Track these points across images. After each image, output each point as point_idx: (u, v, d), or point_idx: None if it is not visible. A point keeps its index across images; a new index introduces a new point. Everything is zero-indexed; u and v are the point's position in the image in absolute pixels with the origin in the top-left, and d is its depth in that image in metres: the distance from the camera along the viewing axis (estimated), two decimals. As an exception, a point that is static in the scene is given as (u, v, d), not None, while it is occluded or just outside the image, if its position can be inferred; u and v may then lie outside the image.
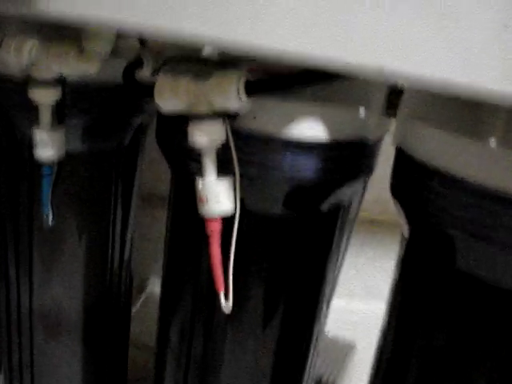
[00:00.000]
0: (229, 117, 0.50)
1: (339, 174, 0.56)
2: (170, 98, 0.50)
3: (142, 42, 0.67)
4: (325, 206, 0.59)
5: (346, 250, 0.66)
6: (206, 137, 0.49)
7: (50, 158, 0.61)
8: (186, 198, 0.61)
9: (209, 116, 0.49)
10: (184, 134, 0.53)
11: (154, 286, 1.19)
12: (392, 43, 0.36)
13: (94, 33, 0.55)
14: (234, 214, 0.51)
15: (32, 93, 0.58)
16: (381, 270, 1.09)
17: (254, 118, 0.51)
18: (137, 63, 0.61)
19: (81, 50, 0.55)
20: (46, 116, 0.60)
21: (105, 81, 0.66)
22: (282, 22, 0.38)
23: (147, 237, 1.01)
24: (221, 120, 0.49)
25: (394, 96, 0.57)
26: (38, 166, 0.63)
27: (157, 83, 0.51)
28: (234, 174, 0.52)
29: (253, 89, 0.47)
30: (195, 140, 0.49)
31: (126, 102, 0.68)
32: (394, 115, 0.58)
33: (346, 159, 0.56)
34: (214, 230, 0.50)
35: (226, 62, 0.53)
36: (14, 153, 0.70)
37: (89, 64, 0.55)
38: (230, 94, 0.47)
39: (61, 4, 0.47)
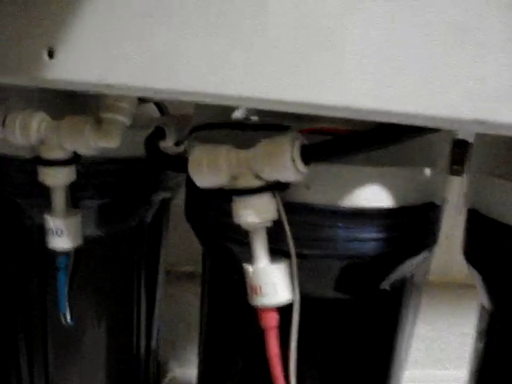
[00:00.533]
0: (279, 188, 0.42)
1: (403, 246, 0.48)
2: (209, 171, 0.42)
3: (161, 108, 0.60)
4: (386, 284, 0.51)
5: (413, 325, 0.57)
6: (254, 215, 0.41)
7: (66, 248, 0.53)
8: (226, 283, 0.53)
9: (256, 190, 0.41)
10: (223, 210, 0.45)
11: (175, 373, 1.09)
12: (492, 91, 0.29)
13: (113, 100, 0.47)
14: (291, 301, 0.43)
15: (42, 175, 0.51)
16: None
17: (308, 187, 0.43)
18: (158, 133, 0.53)
19: (98, 122, 0.48)
20: (59, 200, 0.52)
21: (123, 154, 0.58)
22: (362, 75, 0.30)
23: (163, 318, 0.92)
24: (270, 194, 0.42)
25: (459, 151, 0.50)
26: (51, 256, 0.54)
27: (191, 155, 0.43)
28: (284, 254, 0.44)
29: (310, 155, 0.39)
30: (242, 219, 0.41)
31: (147, 177, 0.61)
32: (462, 172, 0.50)
33: (411, 228, 0.48)
34: (271, 325, 0.42)
35: (270, 124, 0.46)
36: (22, 242, 0.62)
37: (108, 138, 0.47)
38: (283, 163, 0.39)
39: (74, 69, 0.40)
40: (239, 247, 0.48)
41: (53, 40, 0.41)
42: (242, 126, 0.47)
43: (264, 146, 0.40)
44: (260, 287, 0.42)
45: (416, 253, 0.49)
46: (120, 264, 0.64)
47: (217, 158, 0.42)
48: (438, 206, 0.50)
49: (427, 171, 0.47)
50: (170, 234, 0.72)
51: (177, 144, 0.56)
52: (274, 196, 0.42)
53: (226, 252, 0.50)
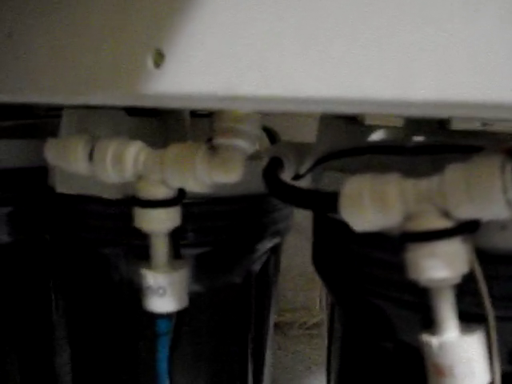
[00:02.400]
0: (471, 229, 0.31)
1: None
2: (374, 209, 0.31)
3: (272, 135, 0.50)
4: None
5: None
6: (443, 268, 0.30)
7: (170, 310, 0.42)
8: (370, 351, 0.41)
9: (445, 232, 0.30)
10: (382, 261, 0.34)
11: None
12: None
13: (231, 121, 0.37)
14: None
15: (140, 218, 0.40)
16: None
17: (503, 227, 0.32)
18: (276, 164, 0.43)
19: (213, 151, 0.37)
20: (161, 250, 0.41)
21: (225, 193, 0.48)
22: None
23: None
24: (461, 238, 0.30)
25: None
26: (147, 319, 0.44)
27: (345, 188, 0.32)
28: (473, 318, 0.32)
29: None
30: (424, 274, 0.30)
31: (254, 220, 0.50)
32: None
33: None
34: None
35: (443, 146, 0.35)
36: (109, 301, 0.51)
37: (227, 170, 0.37)
38: (489, 195, 0.28)
39: (189, 79, 0.30)
40: (398, 309, 0.37)
41: (161, 42, 0.31)
42: (401, 149, 0.36)
43: (456, 173, 0.29)
44: (451, 367, 0.30)
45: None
46: (223, 326, 0.53)
47: (385, 190, 0.31)
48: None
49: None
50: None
51: (296, 177, 0.45)
52: (465, 241, 0.31)
53: (376, 313, 0.39)
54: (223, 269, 0.52)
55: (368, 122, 0.45)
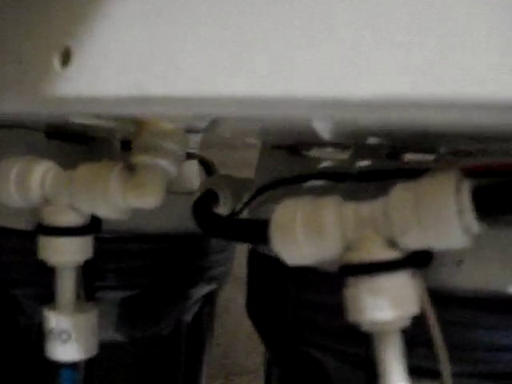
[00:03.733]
0: (422, 263, 0.26)
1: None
2: (307, 239, 0.26)
3: (208, 167, 0.45)
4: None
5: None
6: (388, 308, 0.25)
7: (73, 359, 0.36)
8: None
9: (390, 265, 0.25)
10: (315, 302, 0.29)
11: None
12: None
13: (152, 137, 0.32)
14: None
15: (45, 249, 0.35)
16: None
17: (460, 261, 0.27)
18: (209, 198, 0.38)
19: (130, 170, 0.32)
20: (66, 287, 0.35)
21: (155, 230, 0.43)
22: None
23: None
24: (409, 273, 0.25)
25: None
26: (53, 368, 0.37)
27: (276, 214, 0.27)
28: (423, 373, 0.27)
29: (488, 205, 0.23)
30: (366, 315, 0.25)
31: (187, 262, 0.45)
32: None
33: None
34: None
35: (392, 171, 0.30)
36: (16, 349, 0.45)
37: (145, 193, 0.31)
38: (443, 220, 0.23)
39: (98, 79, 0.26)
40: (338, 362, 0.31)
41: (68, 39, 0.27)
42: (346, 175, 0.32)
43: (403, 194, 0.24)
44: None
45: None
46: (149, 381, 0.47)
47: (321, 215, 0.26)
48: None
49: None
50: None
51: (232, 215, 0.40)
52: (414, 276, 0.26)
53: (315, 369, 0.33)
54: (149, 317, 0.46)
55: (312, 153, 0.41)
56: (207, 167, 0.45)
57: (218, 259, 0.48)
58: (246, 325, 0.43)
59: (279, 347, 0.36)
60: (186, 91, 0.24)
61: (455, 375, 0.26)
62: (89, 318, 0.36)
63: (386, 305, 0.25)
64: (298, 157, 0.41)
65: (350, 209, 0.26)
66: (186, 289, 0.46)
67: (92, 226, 0.35)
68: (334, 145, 0.41)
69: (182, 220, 0.43)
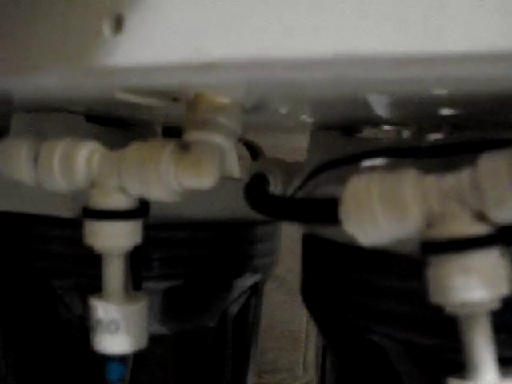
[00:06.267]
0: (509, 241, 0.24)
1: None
2: (386, 215, 0.24)
3: (255, 151, 0.43)
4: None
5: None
6: (480, 287, 0.22)
7: (122, 351, 0.34)
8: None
9: (482, 240, 0.23)
10: (382, 289, 0.27)
11: None
12: None
13: (206, 113, 0.30)
14: None
15: (91, 234, 0.33)
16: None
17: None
18: (259, 181, 0.36)
19: (183, 149, 0.30)
20: (114, 275, 0.33)
21: (198, 217, 0.41)
22: None
23: None
24: (501, 249, 0.23)
25: None
26: (99, 362, 0.35)
27: (347, 190, 0.25)
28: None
29: None
30: (456, 297, 0.23)
31: (233, 252, 0.43)
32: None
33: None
34: None
35: (465, 143, 0.28)
36: (58, 342, 0.43)
37: (201, 172, 0.29)
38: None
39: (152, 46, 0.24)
40: (403, 349, 0.29)
41: (119, 5, 0.26)
42: (414, 151, 0.29)
43: (496, 164, 0.22)
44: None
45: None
46: (190, 378, 0.45)
47: (401, 190, 0.24)
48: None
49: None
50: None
51: (289, 193, 0.39)
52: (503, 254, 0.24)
53: (379, 358, 0.31)
54: (194, 308, 0.44)
55: (365, 133, 0.39)
56: (253, 151, 0.43)
57: (263, 249, 0.46)
58: (279, 323, 0.41)
59: (339, 335, 0.34)
60: (253, 54, 0.22)
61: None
62: (139, 308, 0.34)
63: (477, 284, 0.22)
64: (351, 138, 0.39)
65: (432, 182, 0.24)
66: (231, 279, 0.45)
67: (141, 210, 0.33)
68: (390, 124, 0.39)
69: (226, 207, 0.41)
